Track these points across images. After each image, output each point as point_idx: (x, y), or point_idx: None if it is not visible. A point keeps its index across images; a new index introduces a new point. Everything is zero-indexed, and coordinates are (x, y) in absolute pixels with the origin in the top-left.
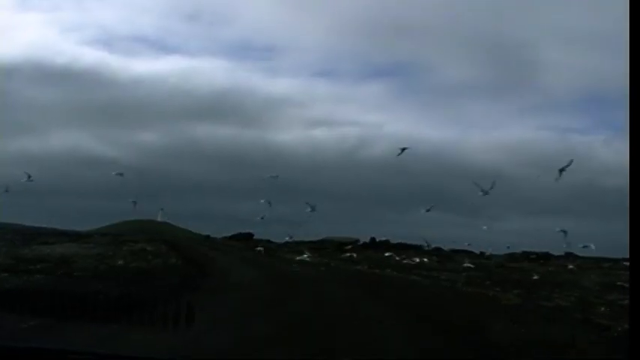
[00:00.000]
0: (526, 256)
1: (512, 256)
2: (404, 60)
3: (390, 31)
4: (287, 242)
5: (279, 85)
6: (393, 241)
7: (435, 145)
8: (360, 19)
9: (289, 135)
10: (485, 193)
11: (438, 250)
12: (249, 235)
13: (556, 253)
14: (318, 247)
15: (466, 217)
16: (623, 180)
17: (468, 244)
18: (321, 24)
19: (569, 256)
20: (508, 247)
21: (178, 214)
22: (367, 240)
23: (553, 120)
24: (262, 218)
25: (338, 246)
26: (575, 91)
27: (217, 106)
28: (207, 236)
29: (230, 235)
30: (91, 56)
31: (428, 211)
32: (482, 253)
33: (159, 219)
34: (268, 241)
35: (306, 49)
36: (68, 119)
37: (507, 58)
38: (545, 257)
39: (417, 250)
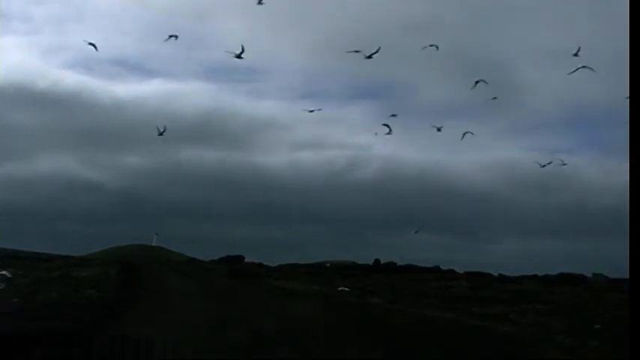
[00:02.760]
0: (564, 278)
1: (546, 280)
2: (389, 81)
3: (373, 52)
4: (280, 266)
5: (264, 108)
6: (400, 263)
7: (424, 166)
8: (343, 40)
9: (276, 158)
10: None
11: (452, 271)
12: (239, 258)
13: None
14: (315, 271)
15: (458, 239)
16: (613, 199)
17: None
18: (304, 46)
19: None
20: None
21: (173, 238)
22: (370, 262)
23: (540, 140)
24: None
25: (340, 270)
26: (561, 112)
27: (202, 129)
28: (192, 259)
29: (218, 257)
30: (72, 79)
31: (416, 232)
32: (501, 276)
33: (153, 243)
34: (260, 265)
35: (290, 71)
36: (52, 143)
37: (492, 79)
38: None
39: (431, 272)
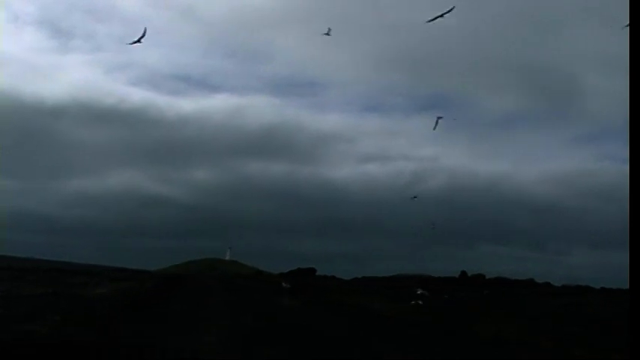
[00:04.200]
0: None
1: None
2: (452, 92)
3: (436, 64)
4: (356, 279)
5: (327, 121)
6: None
7: (490, 177)
8: (404, 52)
9: (342, 171)
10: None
11: (549, 284)
12: (311, 271)
13: None
14: (395, 285)
15: (528, 251)
16: None
17: None
18: (363, 58)
19: None
20: None
21: (246, 251)
22: (457, 275)
23: (609, 149)
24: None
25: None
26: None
27: (267, 143)
28: (259, 272)
29: (288, 270)
30: (137, 96)
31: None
32: (604, 289)
33: (227, 257)
34: (333, 277)
35: (351, 84)
36: (120, 159)
37: (556, 87)
38: None
39: (525, 286)
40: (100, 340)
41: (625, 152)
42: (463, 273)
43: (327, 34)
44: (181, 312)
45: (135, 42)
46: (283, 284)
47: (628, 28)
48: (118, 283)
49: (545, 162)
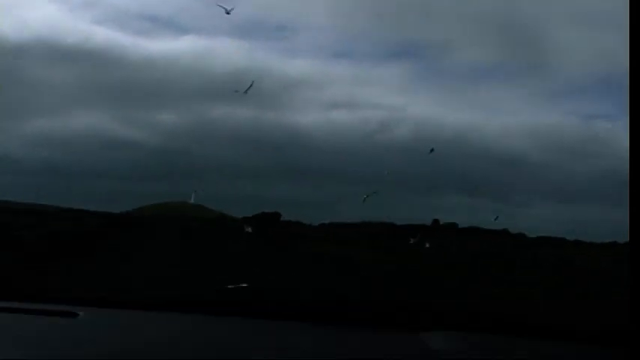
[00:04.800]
0: None
1: None
2: (424, 41)
3: (409, 12)
4: (323, 225)
5: (296, 66)
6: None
7: (459, 128)
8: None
9: (309, 117)
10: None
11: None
12: (275, 215)
13: None
14: (362, 231)
15: (493, 202)
16: None
17: None
18: (335, 2)
19: None
20: None
21: (211, 196)
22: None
23: (576, 105)
24: None
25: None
26: (598, 75)
27: (234, 87)
28: (223, 215)
29: (252, 214)
30: (102, 35)
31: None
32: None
33: (192, 201)
34: (298, 223)
35: (322, 29)
36: (85, 100)
37: (528, 42)
38: None
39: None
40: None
41: (590, 109)
42: (435, 221)
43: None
44: (121, 251)
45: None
46: (245, 228)
47: None
48: (64, 223)
49: (513, 116)
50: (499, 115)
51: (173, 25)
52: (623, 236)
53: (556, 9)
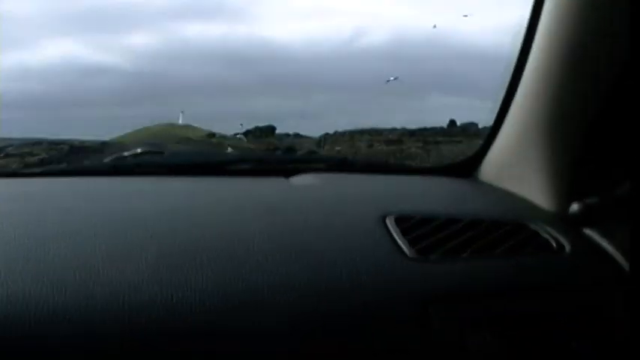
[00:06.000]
0: None
1: None
2: None
3: None
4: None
5: None
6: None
7: (439, 28)
8: None
9: (281, 28)
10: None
11: None
12: (270, 129)
13: None
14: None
15: (480, 100)
16: None
17: None
18: None
19: None
20: None
21: (198, 115)
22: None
23: None
24: None
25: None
26: None
27: (200, 2)
28: (212, 134)
29: (245, 130)
30: None
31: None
32: None
33: (180, 122)
34: (298, 135)
35: None
36: (53, 28)
37: None
38: None
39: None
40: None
41: None
42: (452, 122)
43: None
44: None
45: None
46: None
47: None
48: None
49: (493, 12)
50: (479, 11)
51: None
52: None
53: None
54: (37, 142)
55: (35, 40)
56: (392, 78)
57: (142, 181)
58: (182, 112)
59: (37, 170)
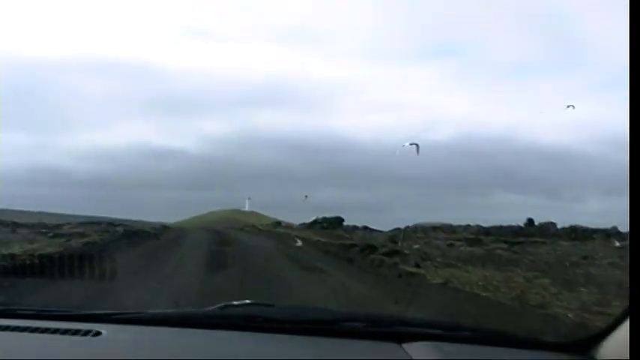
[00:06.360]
0: None
1: None
2: (461, 39)
3: (444, 10)
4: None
5: (334, 69)
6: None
7: (503, 126)
8: None
9: (352, 120)
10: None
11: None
12: (338, 220)
13: None
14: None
15: (546, 199)
16: None
17: None
18: (373, 3)
19: None
20: None
21: (265, 203)
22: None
23: (621, 96)
24: None
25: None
26: None
27: (274, 93)
28: (278, 222)
29: (312, 220)
30: (140, 47)
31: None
32: None
33: (246, 208)
34: (366, 228)
35: (358, 30)
36: (126, 111)
37: (566, 34)
38: None
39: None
40: None
41: None
42: (530, 220)
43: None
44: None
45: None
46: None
47: None
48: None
49: (559, 110)
50: (547, 110)
51: (210, 34)
52: None
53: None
54: (96, 222)
55: (105, 122)
56: (408, 144)
57: (253, 337)
58: (249, 198)
59: (147, 317)
